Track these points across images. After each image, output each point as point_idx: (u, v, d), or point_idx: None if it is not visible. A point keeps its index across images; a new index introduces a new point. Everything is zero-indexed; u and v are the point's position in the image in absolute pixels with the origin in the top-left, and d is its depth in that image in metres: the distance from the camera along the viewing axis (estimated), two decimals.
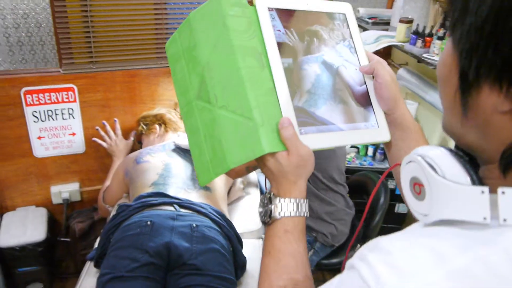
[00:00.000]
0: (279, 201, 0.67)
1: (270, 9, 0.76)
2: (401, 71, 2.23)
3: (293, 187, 0.68)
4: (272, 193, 0.69)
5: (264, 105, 0.68)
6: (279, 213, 0.67)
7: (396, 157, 0.78)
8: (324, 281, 1.97)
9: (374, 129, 0.78)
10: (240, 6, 0.74)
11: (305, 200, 0.69)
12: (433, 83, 2.04)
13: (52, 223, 2.13)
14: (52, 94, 1.94)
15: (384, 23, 2.34)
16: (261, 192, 2.00)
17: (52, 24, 1.86)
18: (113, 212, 1.60)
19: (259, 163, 0.70)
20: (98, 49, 1.99)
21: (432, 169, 0.46)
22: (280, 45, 0.74)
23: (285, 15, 0.78)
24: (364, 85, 0.80)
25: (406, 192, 0.51)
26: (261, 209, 0.70)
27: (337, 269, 2.26)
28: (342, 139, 0.74)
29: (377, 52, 2.20)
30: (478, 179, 0.44)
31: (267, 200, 0.69)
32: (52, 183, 2.12)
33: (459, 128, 0.47)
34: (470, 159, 0.48)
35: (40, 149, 2.02)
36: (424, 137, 0.79)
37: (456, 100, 0.45)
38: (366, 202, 1.95)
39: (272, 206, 0.68)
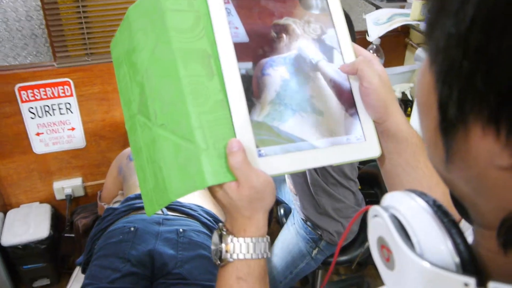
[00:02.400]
0: (231, 240, 0.56)
1: (225, 1, 0.63)
2: (420, 51, 2.06)
3: (249, 223, 0.56)
4: (224, 229, 0.58)
5: (210, 124, 0.56)
6: (230, 255, 0.56)
7: (392, 174, 0.64)
8: (338, 274, 1.83)
9: (360, 143, 0.63)
10: None
11: (265, 238, 0.57)
12: None
13: (57, 219, 2.10)
14: (47, 89, 1.88)
15: (400, 0, 2.15)
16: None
17: (43, 16, 1.78)
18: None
19: (210, 191, 0.58)
20: (93, 41, 1.91)
21: (403, 233, 0.33)
22: (237, 46, 0.61)
23: (245, 8, 0.64)
24: (348, 85, 0.65)
25: (375, 254, 0.38)
26: (213, 247, 0.58)
27: (346, 267, 2.16)
28: (315, 159, 0.60)
29: (393, 31, 2.03)
30: (466, 259, 0.31)
31: (218, 237, 0.58)
32: (54, 179, 2.09)
33: (444, 173, 0.33)
34: (463, 214, 0.35)
35: (40, 145, 1.98)
36: (425, 150, 0.62)
37: (437, 137, 0.31)
38: (377, 195, 1.81)
39: (223, 246, 0.56)
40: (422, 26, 1.77)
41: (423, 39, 2.13)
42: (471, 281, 0.28)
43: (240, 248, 0.55)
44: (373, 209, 0.37)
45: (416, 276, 0.32)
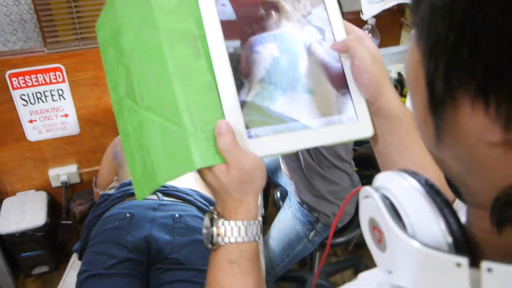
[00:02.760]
0: (223, 224, 0.55)
1: None
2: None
3: (239, 206, 0.55)
4: (215, 212, 0.57)
5: (197, 105, 0.54)
6: (222, 239, 0.54)
7: (385, 154, 0.63)
8: (336, 256, 1.84)
9: (352, 123, 0.61)
10: None
11: (256, 221, 0.56)
12: None
13: (53, 207, 2.10)
14: (39, 75, 1.85)
15: None
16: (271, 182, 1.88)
17: (31, 0, 1.75)
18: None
19: (199, 175, 0.57)
20: (84, 25, 1.88)
21: (394, 213, 0.32)
22: (224, 24, 0.58)
23: None
24: (339, 63, 0.63)
25: (366, 235, 0.38)
26: (204, 231, 0.57)
27: (343, 248, 2.17)
28: (307, 139, 0.59)
29: (389, 11, 2.01)
30: (459, 239, 0.30)
31: (209, 221, 0.57)
32: (49, 166, 2.07)
33: (436, 152, 0.32)
34: (456, 194, 0.34)
35: (33, 132, 1.96)
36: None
37: (427, 116, 0.30)
38: (373, 176, 1.81)
39: (215, 230, 0.55)
40: None
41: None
42: (464, 261, 0.28)
43: (231, 231, 0.54)
44: (364, 190, 0.36)
45: (408, 257, 0.31)
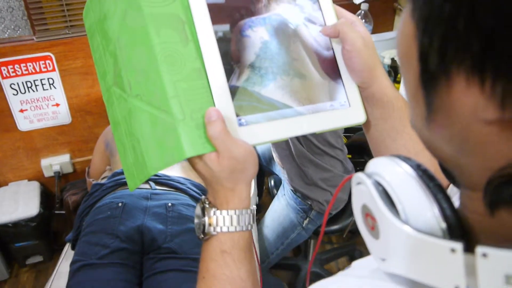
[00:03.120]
0: (214, 213, 0.54)
1: None
2: None
3: (231, 195, 0.54)
4: (207, 201, 0.56)
5: (186, 92, 0.53)
6: (214, 228, 0.54)
7: (378, 140, 0.62)
8: (330, 243, 1.83)
9: (345, 109, 0.60)
10: None
11: (249, 210, 0.55)
12: None
13: (46, 196, 2.08)
14: (28, 64, 1.82)
15: None
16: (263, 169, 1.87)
17: None
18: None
19: (190, 163, 0.56)
20: (73, 12, 1.84)
21: (387, 200, 0.32)
22: (212, 7, 0.57)
23: None
24: (330, 48, 0.62)
25: (359, 222, 0.37)
26: (196, 221, 0.57)
27: (338, 235, 2.18)
28: (299, 126, 0.58)
29: None
30: (453, 224, 0.30)
31: (200, 211, 0.56)
32: (42, 156, 2.06)
33: (425, 133, 0.31)
34: (450, 178, 0.33)
35: (24, 122, 1.94)
36: None
37: (418, 93, 0.29)
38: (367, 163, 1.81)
39: (206, 219, 0.54)
40: None
41: None
42: (458, 247, 0.27)
43: (223, 221, 0.54)
44: (356, 176, 0.35)
45: (402, 243, 0.30)
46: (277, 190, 1.70)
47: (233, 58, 0.57)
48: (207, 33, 0.56)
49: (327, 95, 0.61)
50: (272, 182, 1.89)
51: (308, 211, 1.57)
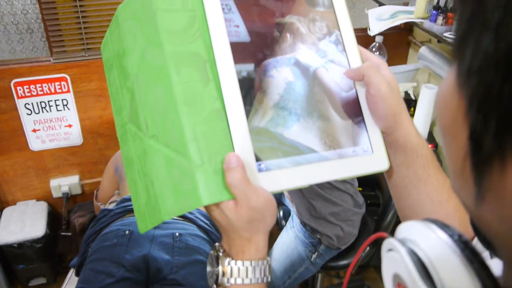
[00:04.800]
0: (229, 263, 0.51)
1: None
2: (423, 50, 2.00)
3: (248, 245, 0.51)
4: (221, 250, 0.53)
5: (205, 135, 0.51)
6: (227, 280, 0.51)
7: (400, 187, 0.60)
8: (338, 277, 1.76)
9: (367, 156, 0.58)
10: None
11: (265, 261, 0.52)
12: None
13: (53, 217, 2.07)
14: (44, 85, 1.84)
15: None
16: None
17: (39, 10, 1.74)
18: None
19: (205, 210, 0.54)
20: (90, 35, 1.87)
21: (423, 272, 0.29)
22: (236, 46, 0.55)
23: (247, 5, 0.59)
24: (354, 91, 0.60)
25: None
26: (208, 268, 0.54)
27: (346, 270, 2.13)
28: (319, 174, 0.55)
29: (396, 28, 1.99)
30: None
31: (214, 258, 0.53)
32: (51, 176, 2.06)
33: (472, 207, 0.28)
34: (489, 248, 0.31)
35: (36, 142, 1.95)
36: (435, 162, 0.58)
37: (465, 169, 0.26)
38: (378, 196, 1.78)
39: (220, 269, 0.51)
40: (426, 24, 1.72)
41: (427, 36, 2.09)
42: None
43: (238, 272, 0.51)
44: (388, 242, 0.33)
45: None
46: (286, 222, 1.67)
47: (256, 98, 0.56)
48: (228, 73, 0.54)
49: (350, 140, 0.59)
50: (281, 213, 1.86)
51: (317, 245, 1.54)
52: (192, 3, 0.56)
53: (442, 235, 0.30)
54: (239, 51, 0.56)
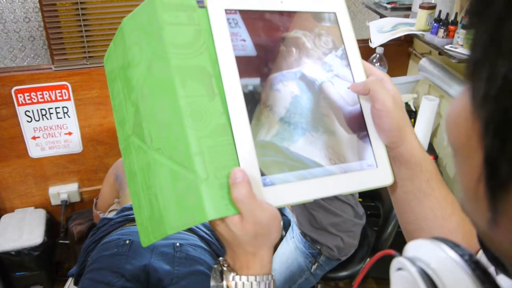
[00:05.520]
0: (233, 278, 0.51)
1: (229, 12, 0.57)
2: (424, 62, 2.02)
3: (252, 260, 0.51)
4: (225, 264, 0.53)
5: (210, 149, 0.51)
6: None
7: (403, 201, 0.60)
8: None
9: (372, 170, 0.58)
10: (184, 10, 0.56)
11: (270, 276, 0.52)
12: (458, 75, 1.83)
13: (52, 225, 2.06)
14: (44, 92, 1.84)
15: (405, 8, 2.12)
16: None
17: (41, 18, 1.75)
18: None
19: (210, 224, 0.53)
20: (92, 44, 1.87)
21: None
22: (242, 60, 0.56)
23: (253, 19, 0.59)
24: (359, 106, 0.61)
25: None
26: (212, 283, 0.53)
27: (346, 282, 2.12)
28: (324, 188, 0.55)
29: (397, 40, 2.00)
30: None
31: (218, 273, 0.53)
32: (50, 183, 2.05)
33: (484, 229, 0.28)
34: (500, 268, 0.30)
35: (36, 149, 1.94)
36: (439, 176, 0.58)
37: (479, 191, 0.26)
38: (378, 207, 1.78)
39: (224, 284, 0.51)
40: (427, 36, 1.73)
41: (428, 48, 2.10)
42: None
43: (242, 287, 0.50)
44: (398, 261, 0.32)
45: None
46: (286, 232, 1.66)
47: (263, 112, 0.56)
48: (234, 88, 0.54)
49: (354, 154, 0.59)
50: (281, 224, 1.85)
51: (317, 255, 1.53)
52: (198, 17, 0.56)
53: (453, 255, 0.30)
54: (246, 65, 0.56)
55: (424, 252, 0.31)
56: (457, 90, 1.76)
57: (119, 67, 0.62)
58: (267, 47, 0.59)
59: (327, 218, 1.48)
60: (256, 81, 0.57)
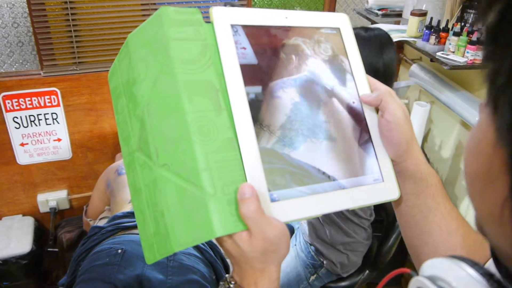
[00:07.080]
0: None
1: (234, 27, 0.57)
2: (414, 68, 2.03)
3: (260, 276, 0.50)
4: (232, 282, 0.52)
5: (218, 165, 0.49)
6: None
7: (408, 216, 0.59)
8: None
9: (378, 185, 0.57)
10: (190, 25, 0.55)
11: None
12: (449, 82, 1.84)
13: (40, 233, 2.02)
14: (33, 98, 1.81)
15: (395, 15, 2.13)
16: None
17: (30, 23, 1.72)
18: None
19: (217, 240, 0.51)
20: (82, 49, 1.85)
21: None
22: (245, 68, 0.55)
23: (253, 27, 0.59)
24: (363, 118, 0.60)
25: None
26: None
27: None
28: (331, 204, 0.54)
29: None
30: None
31: None
32: (39, 191, 2.01)
33: (508, 250, 0.27)
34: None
35: (24, 156, 1.91)
36: (443, 190, 0.57)
37: (504, 215, 0.26)
38: (382, 220, 1.76)
39: None
40: (418, 43, 1.74)
41: (418, 54, 2.12)
42: None
43: None
44: (418, 280, 0.32)
45: None
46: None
47: (264, 119, 0.55)
48: (240, 102, 0.54)
49: (360, 168, 0.58)
50: (290, 240, 1.83)
51: (318, 267, 1.51)
52: (204, 32, 0.56)
53: (473, 273, 0.29)
54: (247, 73, 0.55)
55: (442, 271, 0.31)
56: (449, 96, 1.77)
57: (124, 83, 0.61)
58: (267, 54, 0.59)
59: (338, 235, 1.46)
60: (258, 89, 0.56)
